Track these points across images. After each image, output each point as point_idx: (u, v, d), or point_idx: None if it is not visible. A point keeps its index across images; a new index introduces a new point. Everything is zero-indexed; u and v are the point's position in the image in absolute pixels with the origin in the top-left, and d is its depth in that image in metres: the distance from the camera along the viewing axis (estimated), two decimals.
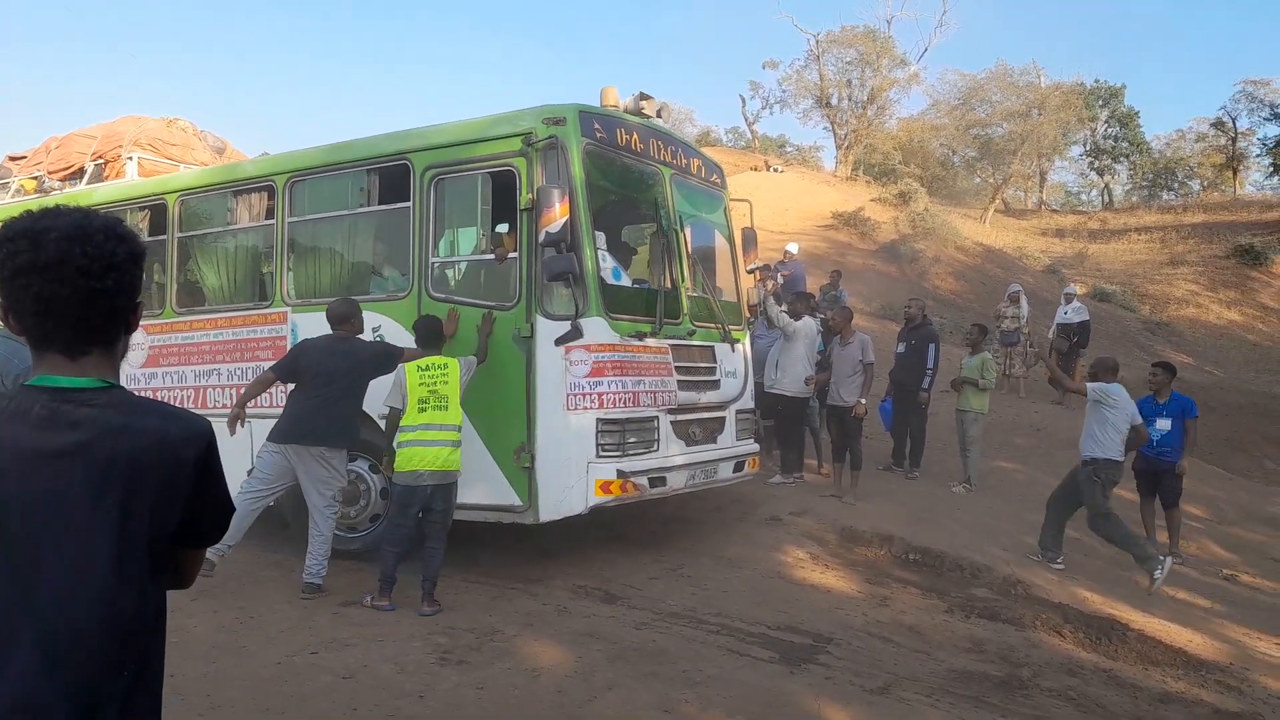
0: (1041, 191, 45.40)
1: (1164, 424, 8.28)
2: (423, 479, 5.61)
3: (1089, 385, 7.58)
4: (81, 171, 9.73)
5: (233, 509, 1.77)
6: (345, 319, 6.08)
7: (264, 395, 6.78)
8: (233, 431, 5.89)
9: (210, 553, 5.57)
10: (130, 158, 9.33)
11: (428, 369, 5.72)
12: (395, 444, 5.73)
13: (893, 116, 40.85)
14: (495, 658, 4.88)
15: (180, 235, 7.95)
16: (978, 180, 41.56)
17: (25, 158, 10.83)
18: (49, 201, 8.10)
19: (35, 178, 9.83)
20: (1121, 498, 9.38)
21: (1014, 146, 35.07)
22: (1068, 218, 37.55)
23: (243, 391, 6.29)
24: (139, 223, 8.33)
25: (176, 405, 1.73)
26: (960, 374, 9.79)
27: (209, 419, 1.72)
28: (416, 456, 5.58)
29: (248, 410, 6.13)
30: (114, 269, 1.54)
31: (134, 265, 1.59)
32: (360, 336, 6.22)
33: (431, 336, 5.91)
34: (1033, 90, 35.11)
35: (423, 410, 5.63)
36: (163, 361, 7.82)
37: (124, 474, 1.52)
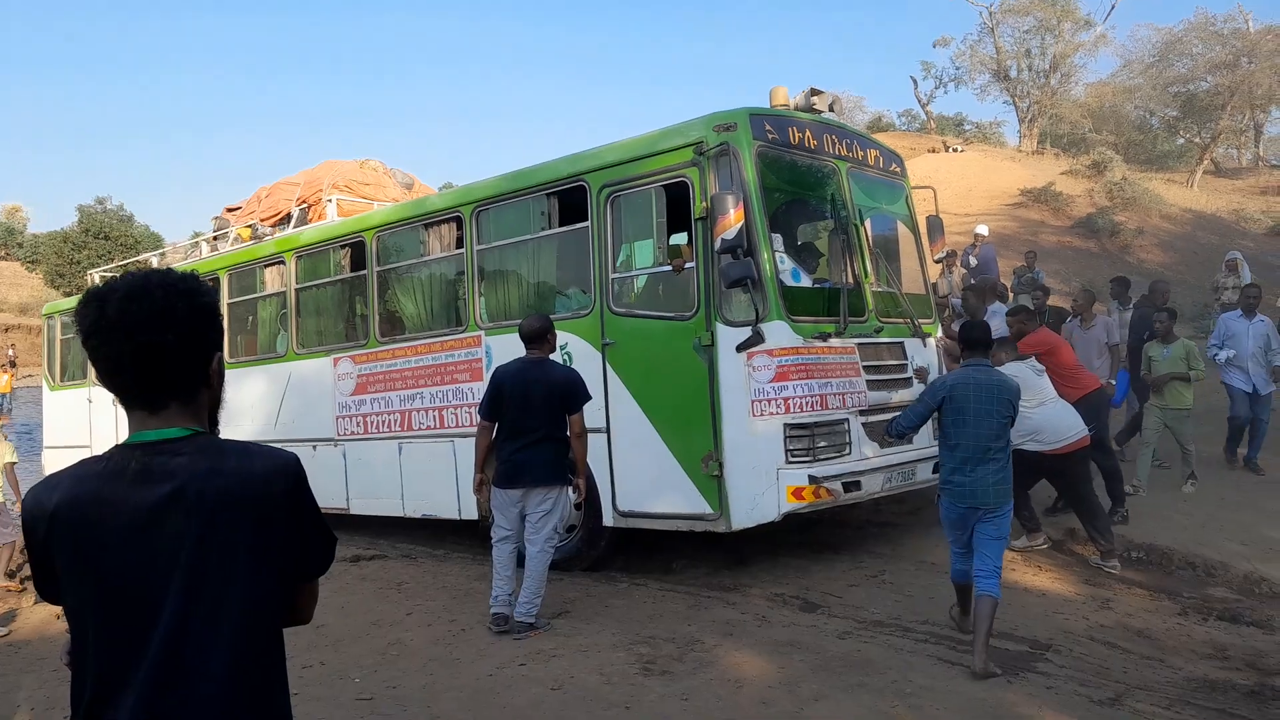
0: (1258, 146, 41.19)
1: None
2: None
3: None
4: (289, 217, 10.54)
5: (333, 537, 1.76)
6: (540, 335, 5.74)
7: (456, 414, 7.05)
8: (479, 496, 5.92)
9: (525, 617, 5.59)
10: (330, 200, 10.03)
11: None
12: None
13: (1079, 83, 38.14)
14: (698, 668, 4.88)
15: (379, 269, 8.46)
16: (1181, 141, 38.11)
17: (240, 209, 11.86)
18: (263, 247, 8.79)
19: (250, 226, 10.72)
20: None
21: (1221, 101, 31.99)
22: None
23: (474, 453, 5.95)
24: (342, 260, 8.94)
25: (264, 442, 1.72)
26: (1155, 370, 8.48)
27: (290, 449, 1.73)
28: None
29: (446, 430, 6.30)
30: (174, 324, 1.58)
31: (196, 318, 1.62)
32: (552, 356, 5.96)
33: None
34: (1240, 38, 31.92)
35: None
36: (370, 389, 8.33)
37: (218, 515, 1.56)
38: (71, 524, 1.55)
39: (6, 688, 5.45)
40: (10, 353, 41.16)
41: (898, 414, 5.74)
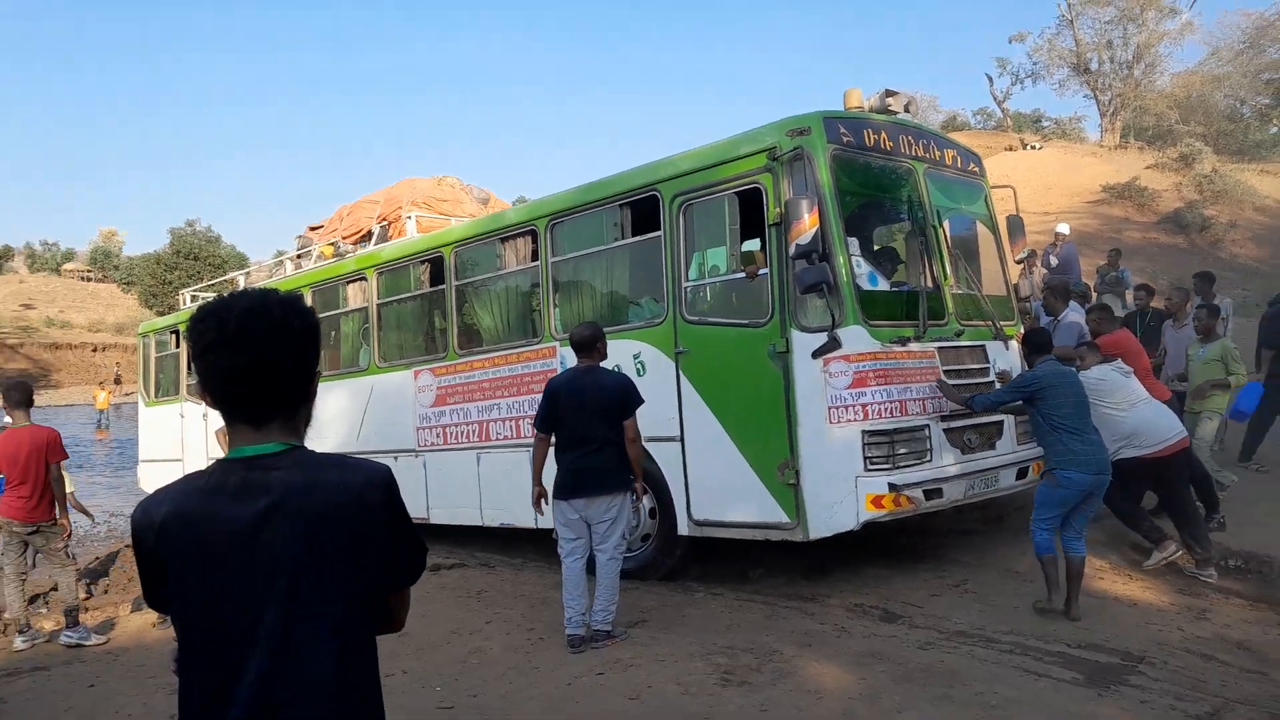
0: None
1: None
2: None
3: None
4: (369, 234, 10.79)
5: (424, 546, 1.81)
6: (590, 343, 5.71)
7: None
8: (538, 510, 5.92)
9: (602, 625, 5.62)
10: (409, 217, 10.24)
11: None
12: None
13: (1164, 73, 36.97)
14: (777, 678, 4.83)
15: (458, 283, 8.61)
16: (1275, 130, 36.62)
17: (322, 227, 12.21)
18: (345, 264, 8.99)
19: (332, 244, 11.01)
20: None
21: None
22: None
23: (532, 466, 5.93)
24: (421, 275, 9.12)
25: (357, 456, 1.78)
26: (1191, 369, 8.10)
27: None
28: None
29: (523, 440, 6.33)
30: (289, 340, 1.66)
31: (307, 336, 1.70)
32: (604, 364, 5.91)
33: None
34: None
35: None
36: (449, 400, 8.48)
37: (315, 527, 1.61)
38: (176, 536, 1.62)
39: (106, 694, 5.66)
40: (116, 369, 43.38)
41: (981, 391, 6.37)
